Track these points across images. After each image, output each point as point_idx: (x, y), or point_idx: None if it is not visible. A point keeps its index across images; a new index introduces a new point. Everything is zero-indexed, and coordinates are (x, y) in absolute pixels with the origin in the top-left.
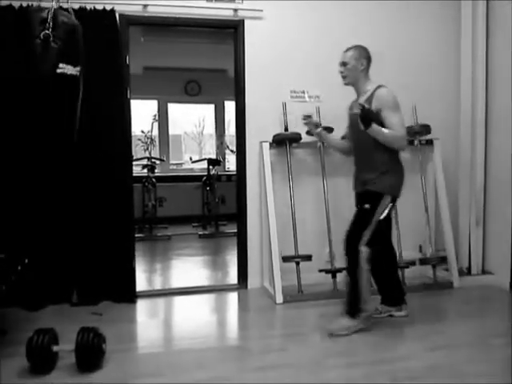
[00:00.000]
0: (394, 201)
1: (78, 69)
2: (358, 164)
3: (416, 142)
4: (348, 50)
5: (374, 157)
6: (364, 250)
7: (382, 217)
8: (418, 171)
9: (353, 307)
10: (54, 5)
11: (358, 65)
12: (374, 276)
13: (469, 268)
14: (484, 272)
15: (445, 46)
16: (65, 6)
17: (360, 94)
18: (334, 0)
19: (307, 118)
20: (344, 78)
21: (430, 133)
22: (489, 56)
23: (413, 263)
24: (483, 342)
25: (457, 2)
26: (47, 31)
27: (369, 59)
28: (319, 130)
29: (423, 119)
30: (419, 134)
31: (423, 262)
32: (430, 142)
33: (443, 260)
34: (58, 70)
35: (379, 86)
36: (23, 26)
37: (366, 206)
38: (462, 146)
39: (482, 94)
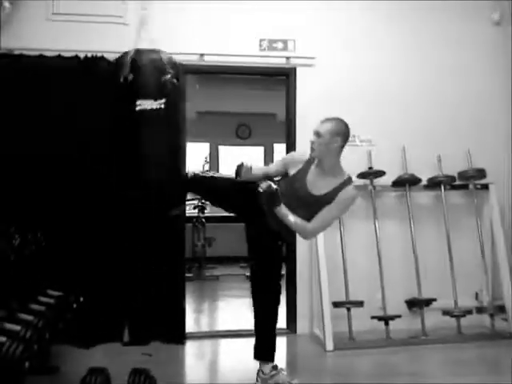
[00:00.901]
0: None
1: (162, 101)
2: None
3: (471, 186)
4: (326, 120)
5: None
6: None
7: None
8: (473, 215)
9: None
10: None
11: (330, 141)
12: None
13: None
14: None
15: (498, 88)
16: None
17: (325, 172)
18: (389, 44)
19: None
20: (312, 149)
21: (485, 177)
22: None
23: (469, 312)
24: None
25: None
26: (126, 74)
27: (346, 138)
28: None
29: (478, 163)
30: (474, 178)
31: (480, 310)
32: (485, 187)
33: (501, 309)
34: (137, 108)
35: (347, 182)
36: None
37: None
38: None
39: None
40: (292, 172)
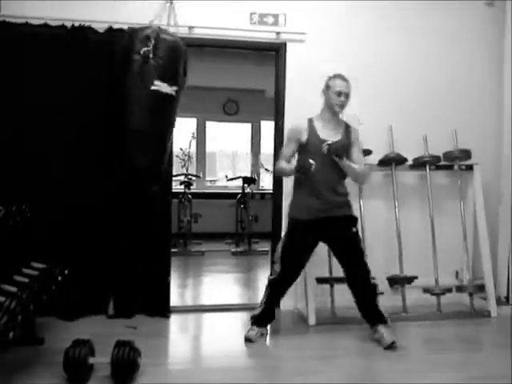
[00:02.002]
0: None
1: (175, 88)
2: (323, 189)
3: (455, 167)
4: (348, 81)
5: (342, 181)
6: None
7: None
8: (457, 196)
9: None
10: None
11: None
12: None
13: (507, 297)
14: None
15: (486, 70)
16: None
17: (334, 121)
18: (379, 22)
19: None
20: (342, 107)
21: (470, 158)
22: None
23: (449, 290)
24: None
25: (499, 24)
26: (148, 48)
27: None
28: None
29: (463, 144)
30: (459, 159)
31: (460, 289)
32: (469, 167)
33: (481, 288)
34: (153, 87)
35: (347, 122)
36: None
37: (354, 229)
38: (504, 172)
39: None
40: (304, 139)
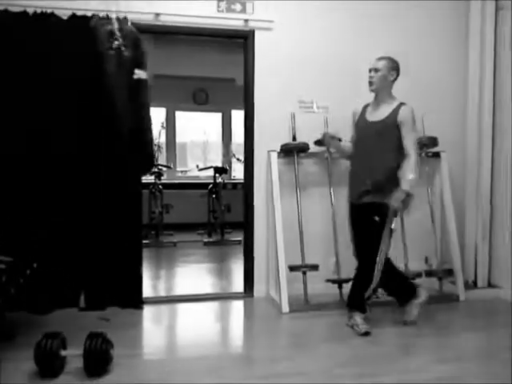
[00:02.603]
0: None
1: (147, 72)
2: (361, 171)
3: (423, 154)
4: (381, 58)
5: (382, 165)
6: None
7: (392, 226)
8: (424, 183)
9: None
10: (116, 16)
11: (388, 75)
12: (387, 284)
13: (475, 281)
14: (490, 285)
15: (453, 59)
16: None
17: (378, 103)
18: (345, 11)
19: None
20: (371, 83)
21: (437, 145)
22: (497, 68)
23: (419, 275)
24: (490, 356)
25: (465, 15)
26: (120, 42)
27: (398, 72)
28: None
29: (430, 131)
30: (426, 147)
31: (429, 274)
32: (437, 155)
33: (449, 273)
34: (135, 76)
35: (402, 103)
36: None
37: (376, 218)
38: (469, 159)
39: (488, 107)
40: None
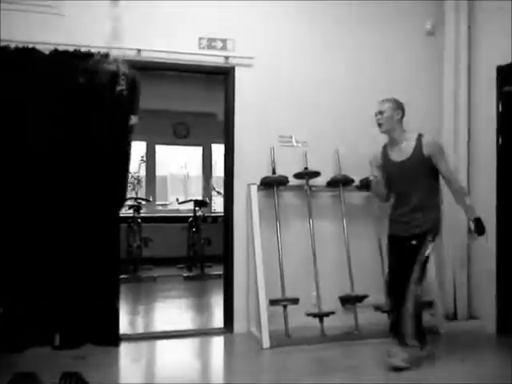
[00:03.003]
0: (435, 237)
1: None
2: (401, 207)
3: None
4: (385, 101)
5: (419, 199)
6: (413, 288)
7: (427, 253)
8: None
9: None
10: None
11: (393, 114)
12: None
13: (455, 313)
14: (471, 317)
15: (427, 79)
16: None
17: (397, 142)
18: (322, 51)
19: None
20: (380, 125)
21: None
22: (471, 87)
23: None
24: None
25: (440, 30)
26: (122, 87)
27: (403, 110)
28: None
29: None
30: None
31: None
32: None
33: (429, 305)
34: (131, 122)
35: (421, 135)
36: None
37: (414, 242)
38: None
39: (463, 130)
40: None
